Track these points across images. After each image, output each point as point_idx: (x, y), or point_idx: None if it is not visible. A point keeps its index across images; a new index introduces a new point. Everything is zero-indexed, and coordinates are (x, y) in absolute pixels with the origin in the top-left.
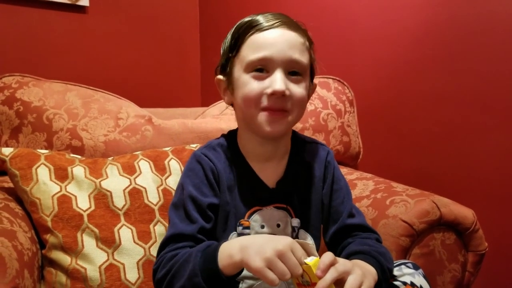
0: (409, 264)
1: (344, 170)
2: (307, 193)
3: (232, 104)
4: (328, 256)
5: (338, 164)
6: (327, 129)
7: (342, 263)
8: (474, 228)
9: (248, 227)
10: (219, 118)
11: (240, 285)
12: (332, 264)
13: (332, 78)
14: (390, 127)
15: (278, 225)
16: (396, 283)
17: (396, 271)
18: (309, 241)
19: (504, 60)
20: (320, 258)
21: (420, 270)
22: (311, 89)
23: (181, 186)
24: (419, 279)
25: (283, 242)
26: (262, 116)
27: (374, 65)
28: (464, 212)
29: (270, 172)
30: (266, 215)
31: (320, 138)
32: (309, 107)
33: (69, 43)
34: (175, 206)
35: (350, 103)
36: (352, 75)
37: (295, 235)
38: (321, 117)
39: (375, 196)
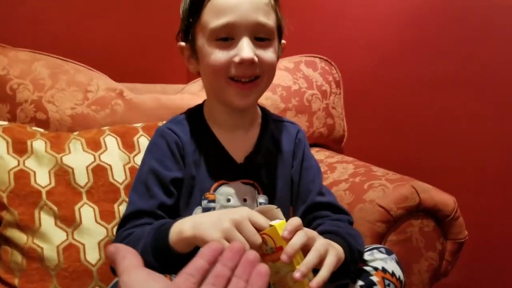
0: (382, 249)
1: (325, 153)
2: (276, 170)
3: (198, 73)
4: (296, 219)
5: (321, 147)
6: (310, 111)
7: (309, 229)
8: (455, 215)
9: (213, 201)
10: (197, 94)
11: None
12: (299, 228)
13: (319, 57)
14: (378, 111)
15: (245, 200)
16: (366, 268)
17: (367, 256)
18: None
19: (498, 45)
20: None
21: (393, 256)
22: (280, 50)
23: (143, 162)
24: (391, 265)
25: (240, 212)
26: (232, 89)
27: (364, 46)
28: (444, 199)
29: (238, 146)
30: (232, 189)
31: (303, 119)
32: (293, 86)
33: (40, 8)
34: (135, 184)
35: (337, 84)
36: (340, 56)
37: None
38: (305, 98)
39: (353, 180)
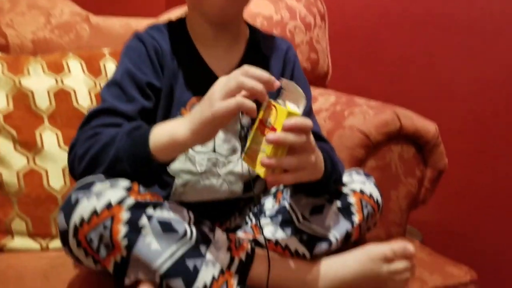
0: (360, 171)
1: None
2: None
3: None
4: (310, 122)
5: None
6: (293, 43)
7: (314, 141)
8: (435, 142)
9: None
10: None
11: (176, 181)
12: (306, 130)
13: None
14: (364, 48)
15: None
16: (344, 189)
17: (345, 178)
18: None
19: None
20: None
21: (372, 178)
22: None
23: (117, 66)
24: (369, 187)
25: (235, 73)
26: None
27: None
28: (426, 125)
29: (221, 62)
30: None
31: None
32: (275, 16)
33: None
34: (107, 85)
35: (322, 17)
36: None
37: (243, 134)
38: (288, 29)
39: (334, 108)
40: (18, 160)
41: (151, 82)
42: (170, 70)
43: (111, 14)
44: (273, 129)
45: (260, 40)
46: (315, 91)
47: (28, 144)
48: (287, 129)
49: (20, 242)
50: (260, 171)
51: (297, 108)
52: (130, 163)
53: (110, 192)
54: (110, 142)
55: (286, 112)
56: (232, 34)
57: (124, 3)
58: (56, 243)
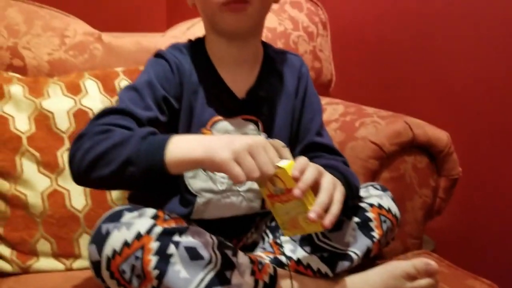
0: (377, 186)
1: None
2: (279, 105)
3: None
4: (303, 158)
5: None
6: (297, 53)
7: (316, 164)
8: (448, 151)
9: None
10: (179, 37)
11: (197, 200)
12: (308, 165)
13: None
14: (366, 53)
15: None
16: (362, 205)
17: (362, 192)
18: None
19: None
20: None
21: (388, 192)
22: None
23: (140, 75)
24: (387, 201)
25: (255, 138)
26: (222, 12)
27: None
28: (438, 134)
29: (240, 81)
30: (231, 126)
31: None
32: (278, 28)
33: None
34: (127, 88)
35: (323, 26)
36: None
37: None
38: (291, 40)
39: (344, 119)
40: (42, 181)
41: (169, 99)
42: (190, 89)
43: (114, 29)
44: (289, 191)
45: (274, 56)
46: (322, 101)
47: (51, 165)
48: (300, 175)
49: (45, 262)
50: (315, 228)
51: (287, 160)
52: (142, 168)
53: (139, 222)
54: (123, 142)
55: (286, 170)
56: (250, 53)
57: (127, 18)
58: (80, 263)
